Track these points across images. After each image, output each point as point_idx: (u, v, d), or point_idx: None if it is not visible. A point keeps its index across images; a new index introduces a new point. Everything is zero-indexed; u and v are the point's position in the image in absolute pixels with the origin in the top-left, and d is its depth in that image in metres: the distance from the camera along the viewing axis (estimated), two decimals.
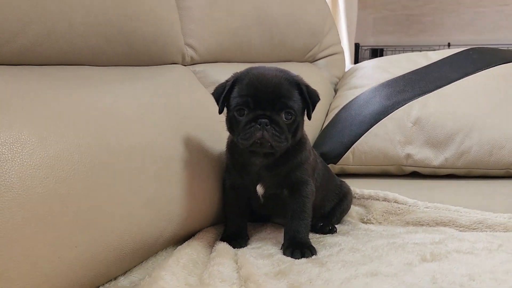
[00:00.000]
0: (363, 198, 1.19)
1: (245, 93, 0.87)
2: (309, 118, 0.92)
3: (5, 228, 0.63)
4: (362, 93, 1.65)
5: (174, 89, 1.11)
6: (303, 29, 1.82)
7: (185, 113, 1.05)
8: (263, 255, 0.89)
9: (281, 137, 0.86)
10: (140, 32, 1.07)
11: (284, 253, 0.89)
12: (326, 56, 2.05)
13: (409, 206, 1.12)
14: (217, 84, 1.32)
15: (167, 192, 0.90)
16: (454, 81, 1.54)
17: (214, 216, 1.04)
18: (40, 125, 0.73)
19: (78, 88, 0.87)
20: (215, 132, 1.11)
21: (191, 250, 0.88)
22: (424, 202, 1.12)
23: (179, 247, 0.90)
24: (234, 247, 0.94)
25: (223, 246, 0.91)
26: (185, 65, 1.30)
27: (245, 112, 0.87)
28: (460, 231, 1.02)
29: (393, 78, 1.65)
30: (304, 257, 0.87)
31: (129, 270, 0.85)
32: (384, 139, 1.44)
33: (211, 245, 0.95)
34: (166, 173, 0.90)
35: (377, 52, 4.44)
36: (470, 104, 1.43)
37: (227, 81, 0.94)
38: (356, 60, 3.97)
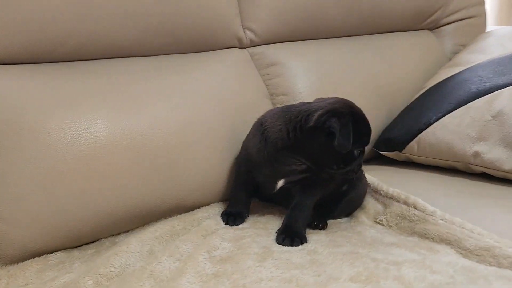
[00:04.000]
0: (386, 196, 1.13)
1: (366, 132, 0.98)
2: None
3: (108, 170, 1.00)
4: (457, 73, 1.45)
5: (223, 75, 1.26)
6: None
7: (225, 97, 1.22)
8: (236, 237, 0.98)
9: None
10: (198, 20, 1.24)
11: (276, 239, 0.95)
12: (455, 21, 1.80)
13: (426, 214, 1.02)
14: (274, 65, 1.38)
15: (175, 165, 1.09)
16: None
17: (222, 193, 1.16)
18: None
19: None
20: (243, 119, 1.19)
21: (178, 221, 1.04)
22: (443, 213, 1.00)
23: (170, 218, 1.07)
24: (227, 224, 1.05)
25: (208, 223, 1.04)
26: (244, 48, 1.39)
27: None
28: (461, 254, 0.91)
29: (501, 57, 1.39)
30: (293, 245, 0.93)
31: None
32: (453, 131, 1.27)
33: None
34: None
35: None
36: None
37: (343, 116, 0.93)
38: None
